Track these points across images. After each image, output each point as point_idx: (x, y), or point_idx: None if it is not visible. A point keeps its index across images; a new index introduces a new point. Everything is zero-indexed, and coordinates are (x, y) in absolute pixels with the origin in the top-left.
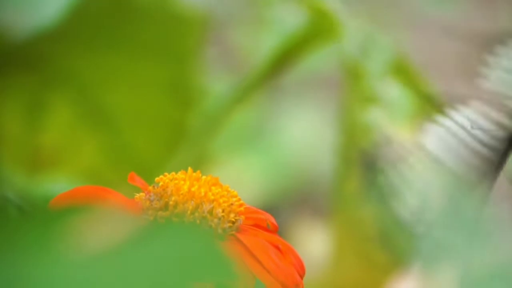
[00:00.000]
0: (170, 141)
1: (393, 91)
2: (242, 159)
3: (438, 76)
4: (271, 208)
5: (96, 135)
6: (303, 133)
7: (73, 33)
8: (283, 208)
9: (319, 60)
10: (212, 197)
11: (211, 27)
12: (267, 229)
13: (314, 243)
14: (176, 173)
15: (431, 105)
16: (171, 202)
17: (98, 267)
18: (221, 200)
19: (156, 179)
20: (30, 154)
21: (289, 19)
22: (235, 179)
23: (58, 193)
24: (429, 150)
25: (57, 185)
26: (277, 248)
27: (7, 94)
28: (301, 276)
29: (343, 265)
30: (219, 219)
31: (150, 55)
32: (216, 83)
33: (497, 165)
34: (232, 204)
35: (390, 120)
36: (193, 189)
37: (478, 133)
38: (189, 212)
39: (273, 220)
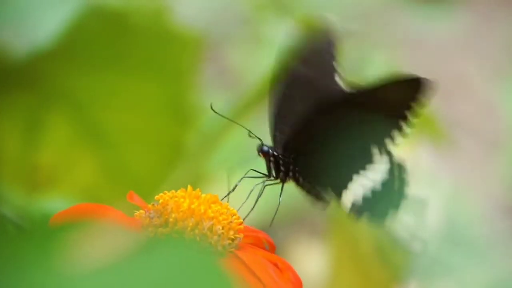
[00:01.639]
0: (167, 159)
1: None
2: (239, 176)
3: (436, 94)
4: (268, 227)
5: (94, 154)
6: None
7: (70, 52)
8: (280, 227)
9: None
10: (212, 215)
11: (207, 46)
12: (264, 248)
13: (311, 261)
14: (175, 191)
15: (429, 124)
16: (171, 219)
17: (98, 282)
18: (220, 218)
19: (156, 196)
20: (28, 172)
21: (285, 38)
22: (233, 198)
23: (56, 211)
24: (425, 167)
25: (55, 203)
26: (276, 265)
27: (5, 113)
28: None
29: (341, 283)
30: (219, 236)
31: (147, 73)
32: (213, 101)
33: None
34: (231, 221)
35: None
36: (193, 206)
37: None
38: (189, 229)
39: (270, 239)
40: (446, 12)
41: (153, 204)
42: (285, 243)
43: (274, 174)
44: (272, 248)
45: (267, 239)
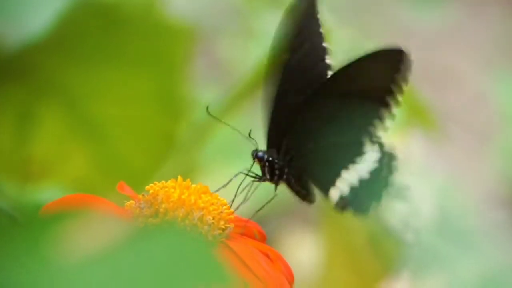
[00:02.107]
0: (158, 151)
1: None
2: (231, 168)
3: (427, 85)
4: (261, 217)
5: (86, 146)
6: None
7: (62, 45)
8: (272, 218)
9: None
10: (202, 205)
11: (199, 38)
12: (255, 238)
13: (304, 252)
14: (166, 181)
15: (420, 115)
16: (161, 210)
17: (90, 272)
18: (211, 208)
19: (146, 187)
20: (21, 164)
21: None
22: (223, 189)
23: (49, 202)
24: (417, 159)
25: (48, 194)
26: (266, 255)
27: None
28: (290, 283)
29: (333, 273)
30: (209, 226)
31: (139, 66)
32: (204, 94)
33: None
34: (221, 212)
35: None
36: (183, 196)
37: None
38: (179, 219)
39: (260, 228)
40: (437, 3)
41: (143, 195)
42: (278, 234)
43: (268, 177)
44: (262, 238)
45: (257, 229)
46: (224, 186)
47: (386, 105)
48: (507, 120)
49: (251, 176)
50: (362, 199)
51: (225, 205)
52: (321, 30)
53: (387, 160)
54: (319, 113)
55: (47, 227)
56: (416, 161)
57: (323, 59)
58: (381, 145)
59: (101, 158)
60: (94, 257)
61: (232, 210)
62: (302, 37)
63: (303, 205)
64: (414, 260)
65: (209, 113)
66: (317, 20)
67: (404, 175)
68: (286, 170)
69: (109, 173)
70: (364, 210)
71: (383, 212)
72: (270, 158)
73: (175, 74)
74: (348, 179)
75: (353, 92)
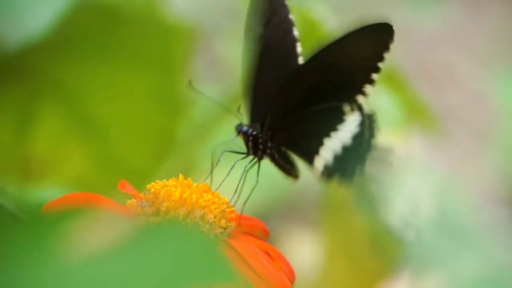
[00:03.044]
0: (158, 149)
1: (382, 99)
2: (224, 164)
3: (427, 84)
4: (261, 216)
5: (86, 144)
6: None
7: (62, 44)
8: (273, 216)
9: None
10: (204, 204)
11: (198, 38)
12: (257, 237)
13: (304, 251)
14: (167, 180)
15: (420, 114)
16: (162, 208)
17: (95, 270)
18: (212, 207)
19: (148, 186)
20: (21, 163)
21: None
22: (224, 188)
23: (49, 200)
24: (417, 157)
25: (48, 193)
26: (268, 254)
27: None
28: (291, 282)
29: (333, 272)
30: (211, 225)
31: (138, 65)
32: (204, 93)
33: None
34: (223, 210)
35: (379, 128)
36: (184, 195)
37: None
38: (180, 218)
39: (264, 225)
40: (436, 2)
41: (145, 193)
42: (278, 233)
43: (252, 152)
44: (266, 235)
45: (261, 227)
46: (212, 169)
47: (368, 75)
48: (506, 119)
49: (236, 152)
50: (346, 165)
51: (227, 203)
52: (286, 2)
53: (368, 122)
54: (301, 85)
55: (50, 225)
56: (415, 159)
57: (291, 31)
58: (361, 109)
59: (101, 157)
60: (99, 256)
61: (233, 208)
62: (271, 11)
63: (304, 204)
64: (414, 259)
65: (191, 87)
66: (285, 7)
67: (404, 173)
68: (269, 144)
69: (109, 171)
70: (350, 176)
71: (383, 211)
72: (254, 132)
73: (175, 73)
74: (331, 146)
75: (337, 64)
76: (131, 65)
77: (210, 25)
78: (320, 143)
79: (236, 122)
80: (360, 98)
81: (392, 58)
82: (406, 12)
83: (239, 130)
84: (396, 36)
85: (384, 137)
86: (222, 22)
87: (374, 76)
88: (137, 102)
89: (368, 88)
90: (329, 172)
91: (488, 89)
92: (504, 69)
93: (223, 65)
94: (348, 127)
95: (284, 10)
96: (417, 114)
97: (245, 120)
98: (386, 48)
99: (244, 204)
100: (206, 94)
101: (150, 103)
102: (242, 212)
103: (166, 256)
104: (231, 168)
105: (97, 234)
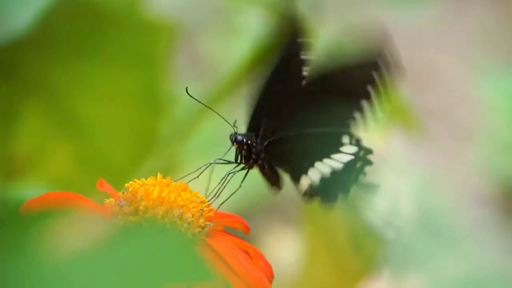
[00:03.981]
0: (140, 147)
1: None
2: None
3: (409, 83)
4: (242, 214)
5: (68, 142)
6: None
7: (45, 41)
8: (254, 215)
9: None
10: (182, 203)
11: (181, 35)
12: (237, 235)
13: (285, 249)
14: (145, 179)
15: (402, 113)
16: (141, 207)
17: (73, 269)
18: (190, 206)
19: (126, 184)
20: (3, 161)
21: (258, 27)
22: (204, 187)
23: (30, 199)
24: (398, 156)
25: (30, 191)
26: (247, 253)
27: None
28: (270, 281)
29: (314, 271)
30: (189, 224)
31: (121, 63)
32: (186, 91)
33: None
34: (201, 209)
35: (361, 127)
36: (163, 194)
37: None
38: (159, 217)
39: (244, 222)
40: (418, 1)
41: (123, 192)
42: (259, 232)
43: (243, 162)
44: (246, 230)
45: (242, 223)
46: (195, 177)
47: (369, 104)
48: (488, 118)
49: (223, 162)
50: (330, 190)
51: (205, 202)
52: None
53: (362, 154)
54: (301, 104)
55: (29, 224)
56: (397, 159)
57: (299, 54)
58: (359, 145)
59: (83, 155)
60: (77, 255)
61: (211, 207)
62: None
63: (285, 203)
64: (395, 258)
65: (189, 95)
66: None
67: (385, 172)
68: (262, 155)
69: (91, 169)
70: (331, 201)
71: (364, 210)
72: (249, 142)
73: (157, 71)
74: (320, 171)
75: (336, 91)
76: (113, 63)
77: (192, 23)
78: (311, 165)
79: (216, 127)
80: (361, 133)
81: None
82: (388, 10)
83: (234, 139)
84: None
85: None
86: (204, 19)
87: (370, 88)
88: (119, 100)
89: (364, 104)
90: (312, 193)
91: (470, 88)
92: (487, 68)
93: (205, 62)
94: (342, 159)
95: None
96: (399, 113)
97: (234, 122)
98: (381, 80)
99: (220, 204)
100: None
101: (132, 101)
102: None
103: (144, 255)
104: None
105: (75, 234)
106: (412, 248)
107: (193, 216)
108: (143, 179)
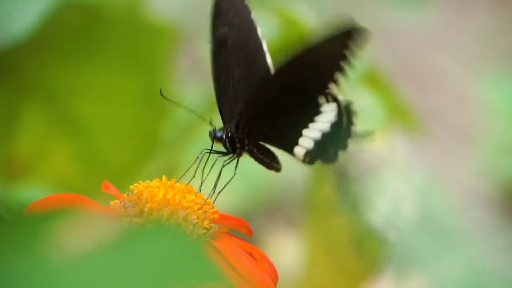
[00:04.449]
0: (142, 150)
1: (364, 99)
2: (214, 167)
3: (410, 85)
4: (245, 216)
5: (69, 144)
6: None
7: (46, 44)
8: (255, 217)
9: None
10: (187, 204)
11: (182, 37)
12: (240, 238)
13: (287, 251)
14: (150, 181)
15: (403, 115)
16: (146, 209)
17: (80, 271)
18: (195, 207)
19: (131, 186)
20: (4, 162)
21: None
22: (207, 189)
23: (32, 200)
24: (400, 158)
25: (31, 193)
26: (251, 255)
27: None
28: (274, 283)
29: (316, 272)
30: (194, 225)
31: (122, 65)
32: (187, 93)
33: None
34: (206, 211)
35: (361, 128)
36: (167, 196)
37: None
38: (164, 218)
39: (247, 225)
40: (420, 3)
41: (128, 194)
42: (261, 233)
43: (231, 151)
44: (249, 233)
45: (245, 226)
46: (189, 168)
47: (342, 70)
48: (489, 119)
49: (215, 152)
50: (328, 149)
51: (210, 204)
52: (247, 2)
53: (345, 111)
54: (274, 85)
55: (35, 226)
56: (398, 160)
57: (255, 30)
58: (336, 100)
59: (84, 157)
60: (83, 257)
61: (216, 209)
62: (233, 12)
63: (286, 204)
64: (397, 259)
65: (163, 96)
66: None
67: (386, 174)
68: (246, 141)
69: (92, 171)
70: (332, 159)
71: (366, 211)
72: (229, 135)
73: (158, 73)
74: (310, 136)
75: (309, 66)
76: (114, 65)
77: (193, 25)
78: (299, 135)
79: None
80: (333, 87)
81: (375, 58)
82: (389, 12)
83: (213, 136)
84: (378, 36)
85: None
86: (205, 22)
87: (343, 63)
88: (120, 102)
89: (338, 76)
90: (311, 158)
91: (471, 89)
92: (488, 69)
93: (206, 65)
94: (326, 118)
95: (246, 10)
96: (399, 114)
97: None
98: (350, 48)
99: (219, 192)
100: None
101: (134, 103)
102: (215, 198)
103: (150, 256)
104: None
105: (82, 235)
106: (413, 249)
107: (198, 218)
108: (148, 181)
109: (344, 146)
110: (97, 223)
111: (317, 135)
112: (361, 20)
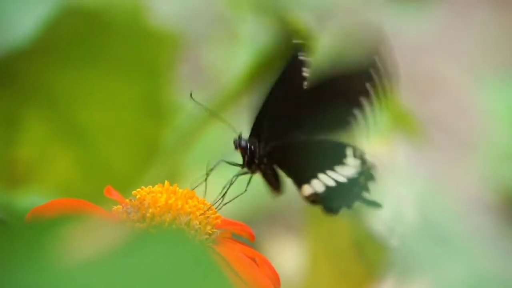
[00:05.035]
0: (143, 156)
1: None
2: (215, 174)
3: (411, 91)
4: (246, 222)
5: (71, 150)
6: None
7: (47, 50)
8: (256, 223)
9: None
10: (189, 210)
11: (184, 44)
12: (242, 243)
13: (288, 257)
14: (152, 186)
15: (404, 122)
16: (148, 214)
17: (85, 276)
18: (197, 213)
19: (133, 192)
20: (6, 169)
21: (260, 36)
22: (209, 195)
23: (35, 206)
24: (401, 165)
25: (34, 199)
26: (253, 260)
27: None
28: None
29: (317, 278)
30: (196, 231)
31: (123, 71)
32: (189, 99)
33: None
34: (208, 216)
35: (363, 135)
36: (170, 201)
37: None
38: (166, 224)
39: (250, 230)
40: (421, 9)
41: (131, 199)
42: (262, 239)
43: (246, 166)
44: (251, 238)
45: (247, 231)
46: (206, 178)
47: (367, 111)
48: (491, 126)
49: (230, 163)
50: (333, 201)
51: (212, 209)
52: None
53: (366, 168)
54: (302, 109)
55: (38, 231)
56: (400, 167)
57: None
58: (363, 158)
59: (86, 163)
60: (89, 262)
61: (218, 214)
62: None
63: (288, 210)
64: (398, 265)
65: (193, 100)
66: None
67: (387, 180)
68: (265, 161)
69: (94, 177)
70: (333, 211)
71: (367, 217)
72: (253, 147)
73: (160, 80)
74: (323, 182)
75: (334, 97)
76: (116, 71)
77: (195, 32)
78: (314, 176)
79: (220, 135)
80: (365, 148)
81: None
82: (390, 18)
83: (238, 144)
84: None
85: (368, 144)
86: (206, 29)
87: (368, 85)
88: (122, 108)
89: (363, 100)
90: (315, 199)
91: (473, 96)
92: (489, 76)
93: (208, 71)
94: (346, 172)
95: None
96: (401, 121)
97: (238, 130)
98: (375, 84)
99: (224, 204)
100: (203, 105)
101: (136, 109)
102: (220, 207)
103: (156, 261)
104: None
105: (86, 241)
106: (415, 255)
107: (200, 223)
108: (150, 186)
109: (349, 205)
110: (101, 228)
111: (331, 183)
112: (361, 27)
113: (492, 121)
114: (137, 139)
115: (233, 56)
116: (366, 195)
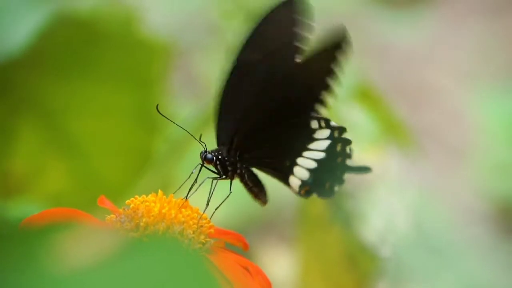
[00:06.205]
0: (136, 165)
1: (357, 115)
2: (208, 183)
3: (403, 101)
4: (238, 232)
5: (64, 160)
6: None
7: (40, 60)
8: (250, 232)
9: None
10: (183, 219)
11: (176, 54)
12: (235, 252)
13: (280, 266)
14: (146, 196)
15: (396, 131)
16: (142, 224)
17: (79, 284)
18: (191, 222)
19: (127, 201)
20: None
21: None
22: (202, 204)
23: (27, 216)
24: (394, 175)
25: (27, 209)
26: (246, 269)
27: None
28: None
29: (310, 287)
30: (190, 240)
31: (116, 81)
32: (181, 109)
33: None
34: (202, 226)
35: (355, 144)
36: (163, 211)
37: None
38: (160, 233)
39: (243, 239)
40: (413, 18)
41: (124, 209)
42: (255, 248)
43: (223, 174)
44: (245, 248)
45: (241, 240)
46: (185, 181)
47: (328, 87)
48: (483, 136)
49: (211, 170)
50: (324, 182)
51: (205, 219)
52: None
53: (337, 134)
54: (263, 104)
55: (32, 240)
56: (391, 176)
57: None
58: (329, 125)
59: (79, 172)
60: (82, 270)
61: (212, 224)
62: (272, 37)
63: (280, 219)
64: (391, 275)
65: (159, 112)
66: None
67: (379, 190)
68: (239, 165)
69: (87, 187)
70: (328, 194)
71: (359, 227)
72: (220, 157)
73: (152, 89)
74: (305, 165)
75: (296, 83)
76: (108, 81)
77: (187, 42)
78: (294, 163)
79: (211, 144)
80: (320, 108)
81: (368, 74)
82: (382, 28)
83: (203, 158)
84: (372, 53)
85: (360, 153)
86: (198, 39)
87: (329, 82)
88: (114, 118)
89: (325, 95)
90: (306, 190)
91: (465, 106)
92: (481, 86)
93: (200, 81)
94: (320, 145)
95: (292, 33)
96: (393, 130)
97: (209, 146)
98: (337, 63)
99: (216, 208)
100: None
101: (128, 119)
102: (212, 214)
103: (149, 270)
104: (199, 185)
105: (80, 249)
106: (407, 265)
107: (193, 233)
108: (144, 195)
109: (340, 181)
110: (94, 237)
111: (312, 164)
112: (354, 36)
113: (484, 131)
114: (130, 149)
115: (225, 65)
116: (350, 162)
